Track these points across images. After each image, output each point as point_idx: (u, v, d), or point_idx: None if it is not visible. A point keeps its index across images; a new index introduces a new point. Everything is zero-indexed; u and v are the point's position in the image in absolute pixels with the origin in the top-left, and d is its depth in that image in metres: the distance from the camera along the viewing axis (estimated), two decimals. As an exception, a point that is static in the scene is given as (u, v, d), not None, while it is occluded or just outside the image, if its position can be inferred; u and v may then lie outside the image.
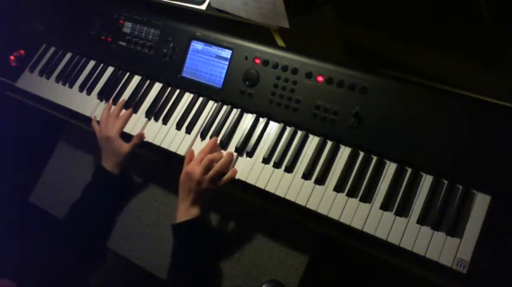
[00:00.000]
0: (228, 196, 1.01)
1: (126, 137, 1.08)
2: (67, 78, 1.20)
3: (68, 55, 1.24)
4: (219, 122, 1.01)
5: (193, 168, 0.93)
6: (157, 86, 1.11)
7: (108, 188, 1.08)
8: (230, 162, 0.95)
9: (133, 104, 1.11)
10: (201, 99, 1.06)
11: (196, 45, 1.07)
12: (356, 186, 0.86)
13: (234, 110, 1.02)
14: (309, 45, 1.04)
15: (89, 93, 1.17)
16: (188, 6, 1.11)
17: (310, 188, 0.89)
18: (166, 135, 1.04)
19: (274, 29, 1.04)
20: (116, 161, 1.06)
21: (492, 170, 0.78)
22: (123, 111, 1.10)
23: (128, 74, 1.15)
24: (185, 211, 0.94)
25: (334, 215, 0.85)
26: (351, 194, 0.86)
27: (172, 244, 0.97)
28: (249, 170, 0.94)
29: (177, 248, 0.96)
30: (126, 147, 1.05)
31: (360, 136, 0.89)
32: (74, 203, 1.09)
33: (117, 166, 1.07)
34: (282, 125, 0.97)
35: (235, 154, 0.96)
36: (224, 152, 0.97)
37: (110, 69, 1.18)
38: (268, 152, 0.94)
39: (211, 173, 0.93)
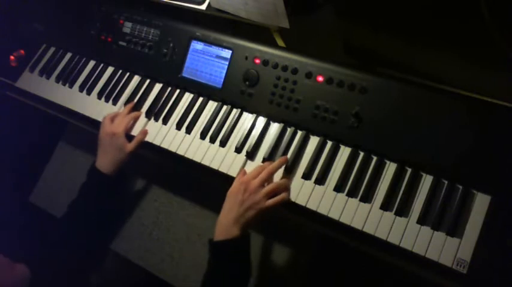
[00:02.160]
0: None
1: (126, 137, 1.08)
2: (67, 78, 1.20)
3: (68, 55, 1.24)
4: (219, 122, 1.01)
5: (249, 179, 0.88)
6: (158, 86, 1.11)
7: (103, 188, 1.07)
8: (289, 183, 0.90)
9: (133, 105, 1.10)
10: (201, 99, 1.06)
11: (196, 45, 1.07)
12: (356, 186, 0.86)
13: (234, 110, 1.02)
14: (309, 45, 1.04)
15: (89, 93, 1.17)
16: (188, 6, 1.12)
17: (310, 188, 0.89)
18: (166, 135, 1.03)
19: (274, 29, 1.04)
20: (116, 158, 1.05)
21: (492, 170, 0.78)
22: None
23: (128, 74, 1.15)
24: (226, 228, 0.85)
25: (334, 215, 0.85)
26: (351, 194, 0.86)
27: (208, 260, 0.88)
28: (249, 170, 0.94)
29: (212, 265, 0.88)
30: (130, 145, 1.04)
31: (360, 136, 0.89)
32: (71, 203, 1.08)
33: (116, 163, 1.05)
34: (282, 125, 0.97)
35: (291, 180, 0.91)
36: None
37: (110, 69, 1.18)
38: (268, 153, 0.94)
39: (268, 188, 0.87)
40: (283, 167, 0.91)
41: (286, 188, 0.89)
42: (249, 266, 0.88)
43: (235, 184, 0.90)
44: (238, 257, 0.86)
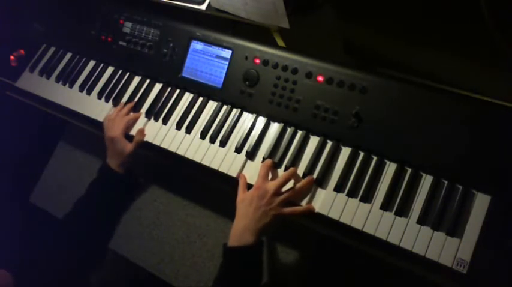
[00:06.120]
0: (226, 196, 1.01)
1: (126, 137, 1.08)
2: (67, 78, 1.20)
3: (68, 55, 1.24)
4: (219, 122, 1.01)
5: (265, 184, 0.86)
6: (158, 86, 1.11)
7: (113, 187, 1.08)
8: (309, 189, 0.88)
9: (133, 104, 1.10)
10: (201, 99, 1.06)
11: (196, 45, 1.07)
12: (356, 186, 0.86)
13: (234, 110, 1.02)
14: (309, 45, 1.04)
15: (88, 93, 1.17)
16: (188, 6, 1.11)
17: (311, 186, 0.89)
18: (166, 135, 1.03)
19: (274, 29, 1.04)
20: (120, 160, 1.06)
21: (492, 170, 0.78)
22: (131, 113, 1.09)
23: (128, 74, 1.15)
24: (241, 234, 0.84)
25: (334, 215, 0.85)
26: (351, 194, 0.86)
27: (220, 264, 0.88)
28: (249, 170, 0.94)
29: (224, 270, 0.87)
30: (129, 147, 1.05)
31: (360, 136, 0.89)
32: (78, 201, 1.08)
33: (121, 165, 1.07)
34: (282, 125, 0.97)
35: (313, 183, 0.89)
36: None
37: (110, 69, 1.18)
38: (268, 152, 0.94)
39: (285, 195, 0.86)
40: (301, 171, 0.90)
41: (303, 196, 0.87)
42: (260, 272, 0.87)
43: (253, 189, 0.88)
44: (252, 264, 0.85)
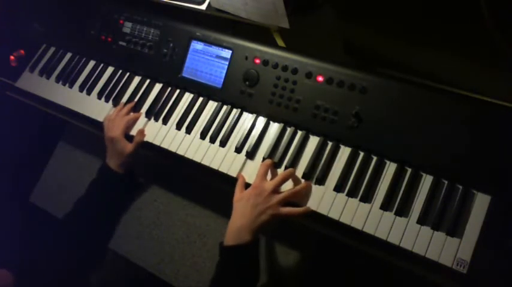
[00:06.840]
0: (226, 196, 1.01)
1: (126, 137, 1.08)
2: (67, 78, 1.20)
3: (68, 55, 1.24)
4: (219, 122, 1.01)
5: (263, 183, 0.87)
6: (158, 86, 1.11)
7: (113, 187, 1.08)
8: (306, 192, 0.88)
9: (133, 104, 1.10)
10: (201, 99, 1.06)
11: (196, 45, 1.07)
12: (356, 186, 0.86)
13: (234, 110, 1.02)
14: (309, 45, 1.04)
15: (88, 93, 1.17)
16: (188, 6, 1.12)
17: (310, 188, 0.89)
18: (166, 135, 1.04)
19: (274, 29, 1.04)
20: (120, 161, 1.06)
21: (492, 170, 0.78)
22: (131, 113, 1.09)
23: (128, 74, 1.15)
24: (238, 233, 0.83)
25: (334, 215, 0.85)
26: (351, 194, 0.86)
27: (217, 263, 0.87)
28: (249, 170, 0.94)
29: (221, 269, 0.86)
30: (129, 147, 1.05)
31: (360, 136, 0.89)
32: (78, 201, 1.08)
33: (121, 165, 1.07)
34: (282, 125, 0.97)
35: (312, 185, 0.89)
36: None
37: (110, 69, 1.18)
38: (268, 152, 0.94)
39: (283, 195, 0.85)
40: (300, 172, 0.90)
41: (302, 198, 0.87)
42: (257, 270, 0.87)
43: (250, 189, 0.88)
44: (248, 263, 0.85)
